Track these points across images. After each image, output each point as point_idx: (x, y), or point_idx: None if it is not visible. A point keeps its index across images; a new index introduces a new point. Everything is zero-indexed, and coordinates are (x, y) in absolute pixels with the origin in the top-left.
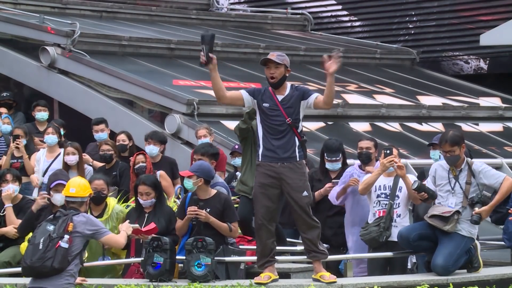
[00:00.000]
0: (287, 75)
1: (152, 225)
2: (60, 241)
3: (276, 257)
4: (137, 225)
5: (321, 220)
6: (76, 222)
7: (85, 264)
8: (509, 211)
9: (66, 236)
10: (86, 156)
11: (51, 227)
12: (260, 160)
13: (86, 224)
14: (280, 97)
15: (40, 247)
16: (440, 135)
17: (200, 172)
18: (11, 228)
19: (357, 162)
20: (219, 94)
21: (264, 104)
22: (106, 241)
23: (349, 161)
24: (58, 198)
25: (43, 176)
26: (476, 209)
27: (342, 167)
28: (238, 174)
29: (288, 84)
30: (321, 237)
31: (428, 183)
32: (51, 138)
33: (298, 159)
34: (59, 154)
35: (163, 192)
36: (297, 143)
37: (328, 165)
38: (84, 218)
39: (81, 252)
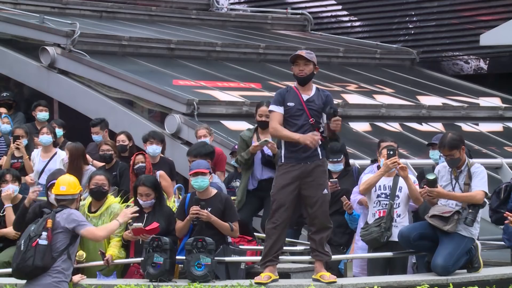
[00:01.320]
0: (315, 72)
1: (155, 225)
2: (38, 239)
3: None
4: (140, 224)
5: None
6: (58, 219)
7: (84, 265)
8: (505, 214)
9: (44, 233)
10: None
11: (33, 227)
12: (283, 161)
13: (67, 219)
14: (305, 97)
15: (22, 248)
16: (439, 136)
17: (210, 169)
18: (12, 229)
19: (370, 163)
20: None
21: (288, 104)
22: (84, 234)
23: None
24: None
25: (40, 176)
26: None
27: (344, 168)
28: (238, 181)
29: (314, 85)
30: None
31: None
32: (46, 138)
33: (320, 157)
34: (54, 154)
35: (163, 192)
36: (319, 142)
37: (330, 166)
38: (65, 213)
39: (68, 248)
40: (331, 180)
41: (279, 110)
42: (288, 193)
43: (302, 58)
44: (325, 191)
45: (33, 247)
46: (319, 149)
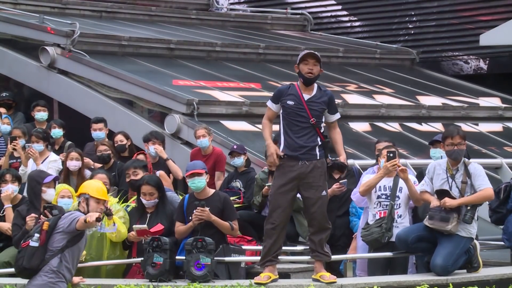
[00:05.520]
0: (320, 74)
1: (160, 227)
2: (30, 240)
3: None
4: (145, 226)
5: (331, 221)
6: (63, 220)
7: (85, 264)
8: None
9: (36, 235)
10: (87, 160)
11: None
12: (282, 154)
13: (66, 221)
14: (306, 96)
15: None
16: (441, 135)
17: (206, 169)
18: (5, 224)
19: (372, 164)
20: None
21: (288, 102)
22: (80, 226)
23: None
24: (50, 193)
25: None
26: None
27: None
28: (238, 181)
29: (315, 84)
30: (329, 237)
31: (426, 182)
32: (36, 147)
33: (318, 158)
34: (47, 157)
35: (165, 192)
36: (319, 142)
37: None
38: (68, 216)
39: (64, 249)
40: (340, 181)
41: (273, 107)
42: (286, 194)
43: (314, 57)
44: (324, 192)
45: (24, 248)
46: (317, 150)
